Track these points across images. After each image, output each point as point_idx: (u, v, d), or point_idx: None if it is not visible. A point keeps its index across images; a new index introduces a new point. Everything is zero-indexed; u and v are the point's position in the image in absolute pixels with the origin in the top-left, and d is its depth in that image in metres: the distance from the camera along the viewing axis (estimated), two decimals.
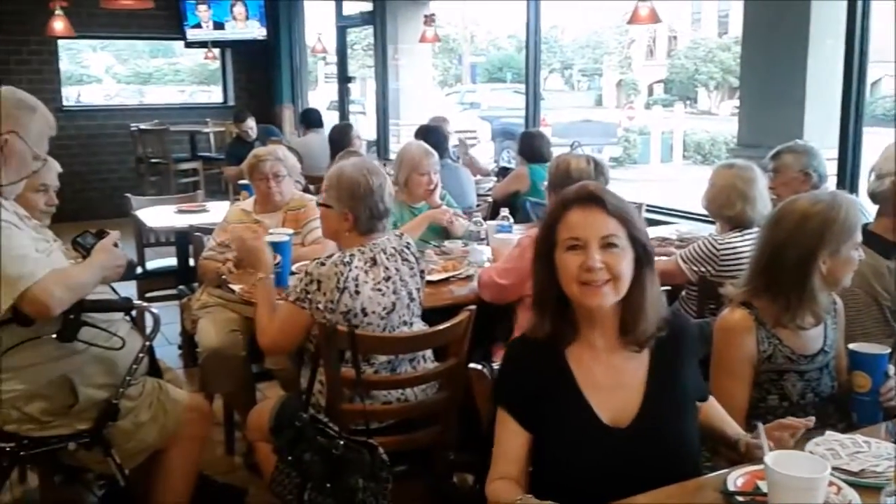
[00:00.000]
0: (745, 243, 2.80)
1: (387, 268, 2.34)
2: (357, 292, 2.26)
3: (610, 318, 1.60)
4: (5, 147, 2.11)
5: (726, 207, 2.89)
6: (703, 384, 1.77)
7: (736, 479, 1.48)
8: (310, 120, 6.96)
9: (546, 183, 2.94)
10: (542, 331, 1.61)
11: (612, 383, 1.60)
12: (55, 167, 2.58)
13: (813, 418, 1.68)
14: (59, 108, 8.46)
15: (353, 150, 4.94)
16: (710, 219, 3.23)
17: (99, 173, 8.86)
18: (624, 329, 1.60)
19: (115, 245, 2.33)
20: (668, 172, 14.19)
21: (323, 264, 2.27)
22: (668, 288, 2.77)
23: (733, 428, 1.75)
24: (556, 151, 5.09)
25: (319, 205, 2.50)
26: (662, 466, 1.55)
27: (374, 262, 2.33)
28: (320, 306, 2.24)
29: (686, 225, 4.24)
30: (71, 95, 12.30)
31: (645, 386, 1.60)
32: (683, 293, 3.07)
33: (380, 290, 2.31)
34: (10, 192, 2.17)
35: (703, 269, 2.87)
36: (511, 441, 1.60)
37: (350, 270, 2.26)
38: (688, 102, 23.63)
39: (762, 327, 1.97)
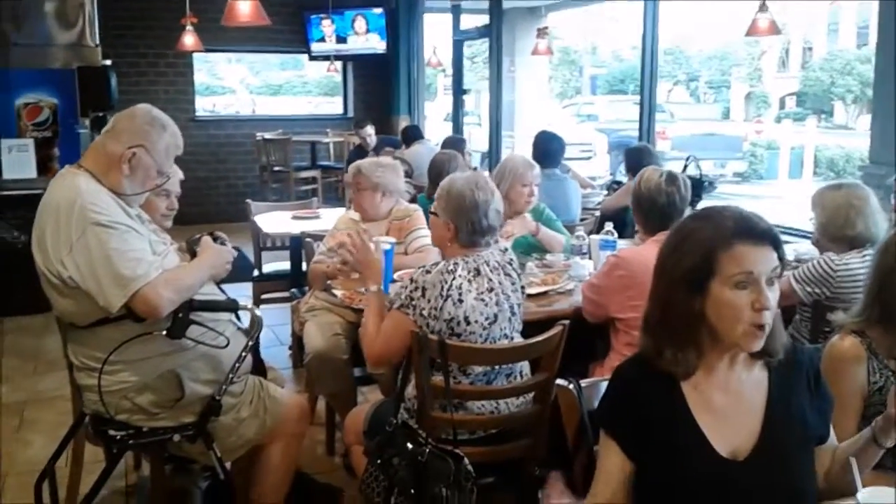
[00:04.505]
0: (865, 265, 2.64)
1: (490, 279, 2.35)
2: (460, 300, 2.27)
3: None
4: (133, 160, 2.26)
5: (846, 227, 2.74)
6: (826, 424, 1.60)
7: None
8: (411, 136, 7.15)
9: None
10: (681, 368, 1.50)
11: (731, 408, 1.51)
12: (178, 175, 2.71)
13: None
14: (191, 119, 9.00)
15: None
16: None
17: (227, 179, 9.33)
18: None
19: (223, 243, 2.45)
20: (797, 190, 13.53)
21: (428, 272, 2.30)
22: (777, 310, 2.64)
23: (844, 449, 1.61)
24: (671, 166, 4.95)
25: (428, 212, 2.55)
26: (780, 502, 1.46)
27: (477, 272, 2.34)
28: (424, 312, 2.27)
29: (806, 245, 4.03)
30: (206, 106, 13.01)
31: (764, 413, 1.51)
32: (797, 317, 2.92)
33: (483, 300, 2.32)
34: (134, 200, 2.33)
35: (817, 291, 2.72)
36: (613, 467, 1.52)
37: (454, 279, 2.28)
38: (822, 116, 22.47)
39: (874, 357, 1.85)
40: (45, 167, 5.51)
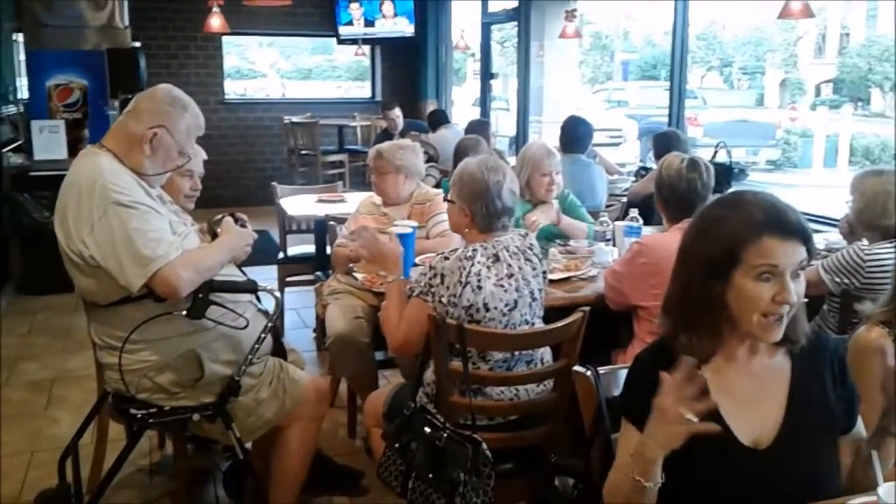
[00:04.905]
0: None
1: (509, 265, 2.33)
2: (479, 287, 2.26)
3: None
4: (154, 140, 2.27)
5: (884, 217, 2.68)
6: (851, 414, 1.57)
7: None
8: (437, 121, 7.17)
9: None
10: (696, 353, 1.46)
11: (753, 395, 1.49)
12: (201, 155, 2.71)
13: None
14: (220, 101, 9.05)
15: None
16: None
17: (255, 162, 9.38)
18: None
19: (243, 225, 2.45)
20: (831, 178, 13.27)
21: (447, 258, 2.29)
22: (806, 300, 2.59)
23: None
24: (702, 152, 4.87)
25: (445, 199, 2.53)
26: (801, 493, 1.43)
27: (496, 258, 2.32)
28: (443, 299, 2.26)
29: (837, 234, 3.94)
30: (238, 89, 13.04)
31: (787, 400, 1.49)
32: (825, 307, 2.87)
33: (502, 286, 2.30)
34: (155, 181, 2.33)
35: (845, 281, 2.66)
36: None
37: (473, 265, 2.26)
38: (859, 104, 22.01)
39: None
40: (76, 148, 5.56)
